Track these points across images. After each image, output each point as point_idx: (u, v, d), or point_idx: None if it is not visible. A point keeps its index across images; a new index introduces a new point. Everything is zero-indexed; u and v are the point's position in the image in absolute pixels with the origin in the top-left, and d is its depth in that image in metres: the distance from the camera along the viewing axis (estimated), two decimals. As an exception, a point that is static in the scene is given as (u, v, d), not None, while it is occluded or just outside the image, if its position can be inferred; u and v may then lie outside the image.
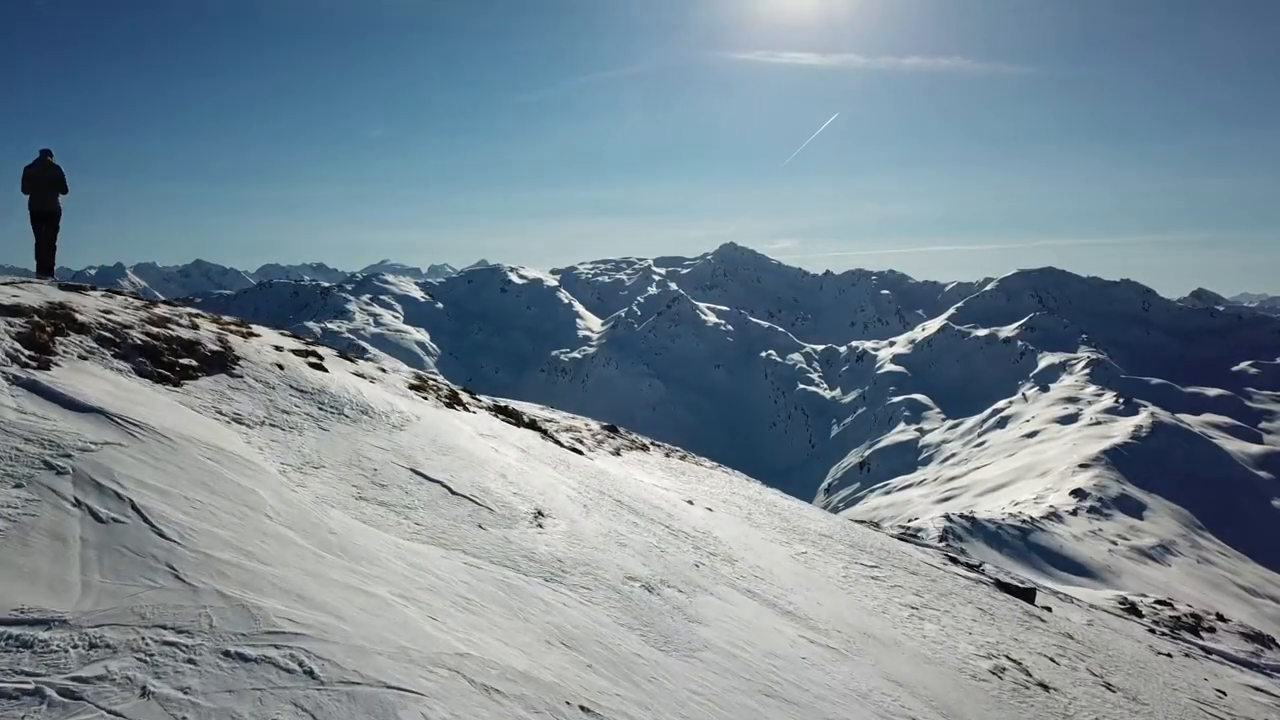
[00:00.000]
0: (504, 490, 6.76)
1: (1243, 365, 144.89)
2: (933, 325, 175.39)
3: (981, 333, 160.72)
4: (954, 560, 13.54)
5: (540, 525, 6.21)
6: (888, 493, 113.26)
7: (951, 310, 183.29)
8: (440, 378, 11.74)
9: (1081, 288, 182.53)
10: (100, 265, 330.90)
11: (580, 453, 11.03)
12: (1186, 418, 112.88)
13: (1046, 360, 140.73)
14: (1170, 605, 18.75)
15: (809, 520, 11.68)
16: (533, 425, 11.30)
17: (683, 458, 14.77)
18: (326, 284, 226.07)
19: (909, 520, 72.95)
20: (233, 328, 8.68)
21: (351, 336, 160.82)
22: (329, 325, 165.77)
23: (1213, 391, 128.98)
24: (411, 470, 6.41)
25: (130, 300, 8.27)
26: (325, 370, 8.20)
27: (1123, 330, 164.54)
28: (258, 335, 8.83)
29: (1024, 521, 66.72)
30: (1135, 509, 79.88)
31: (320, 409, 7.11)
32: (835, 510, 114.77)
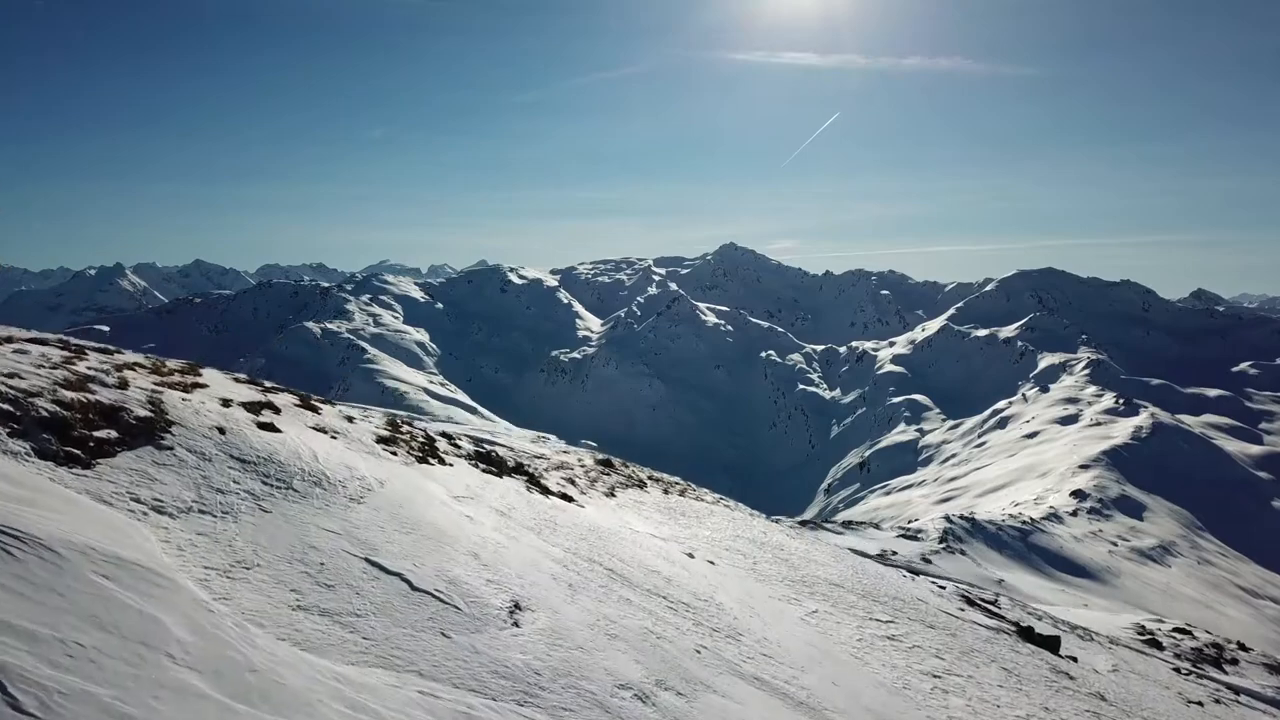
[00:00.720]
0: (475, 578, 5.88)
1: (1243, 366, 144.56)
2: (933, 326, 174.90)
3: (981, 333, 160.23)
4: (970, 602, 12.78)
5: (516, 623, 5.36)
6: (888, 493, 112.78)
7: (951, 310, 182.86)
8: (416, 423, 10.37)
9: (1081, 288, 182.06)
10: (100, 265, 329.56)
11: (570, 499, 10.07)
12: (1186, 418, 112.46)
13: (1046, 361, 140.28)
14: (1190, 634, 18.07)
15: (817, 566, 10.90)
16: (519, 469, 10.31)
17: (682, 492, 13.91)
18: (326, 284, 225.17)
19: (909, 521, 72.40)
20: (175, 379, 7.62)
21: (351, 337, 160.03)
22: (328, 325, 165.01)
23: (1213, 392, 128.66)
24: (366, 560, 5.51)
25: (50, 354, 7.01)
26: (276, 430, 7.12)
27: (1123, 331, 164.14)
28: (204, 386, 7.82)
29: (1024, 522, 66.20)
30: (1135, 510, 79.42)
31: (264, 484, 6.12)
32: (835, 511, 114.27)
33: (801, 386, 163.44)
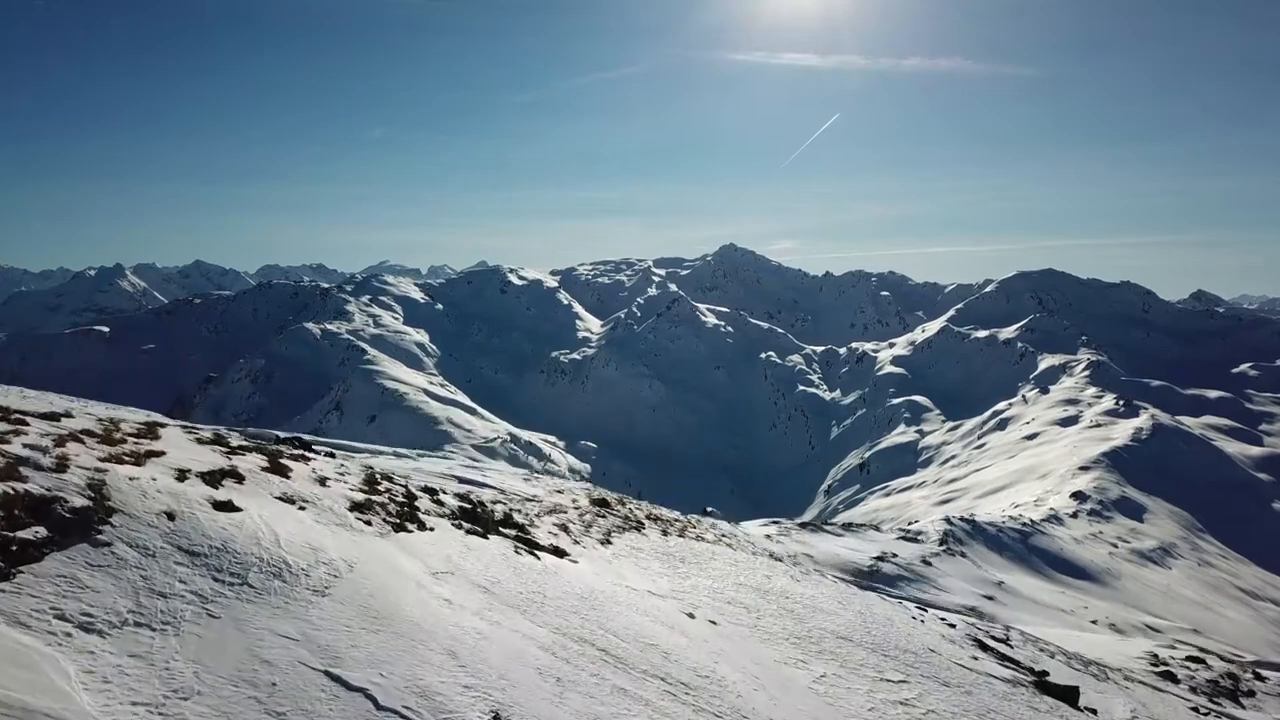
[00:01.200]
0: (450, 684, 5.17)
1: (1243, 367, 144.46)
2: (933, 327, 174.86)
3: (981, 334, 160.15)
4: (983, 646, 12.48)
5: (496, 742, 4.67)
6: (888, 494, 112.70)
7: (951, 312, 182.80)
8: (395, 478, 9.28)
9: (1081, 289, 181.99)
10: (100, 266, 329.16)
11: (563, 554, 9.36)
12: (1187, 420, 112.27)
13: (1046, 362, 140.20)
14: (1203, 663, 17.82)
15: (824, 616, 10.44)
16: (507, 522, 9.56)
17: (682, 532, 13.12)
18: (326, 285, 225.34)
19: (909, 522, 72.31)
20: (127, 447, 6.79)
21: (351, 338, 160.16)
22: (328, 326, 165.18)
23: (1213, 393, 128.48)
24: (326, 673, 4.79)
25: None
26: (235, 509, 6.33)
27: (1123, 332, 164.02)
28: (159, 455, 6.93)
29: (1024, 524, 66.10)
30: (1135, 511, 79.29)
31: (215, 580, 5.36)
32: (835, 512, 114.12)
33: (801, 387, 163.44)
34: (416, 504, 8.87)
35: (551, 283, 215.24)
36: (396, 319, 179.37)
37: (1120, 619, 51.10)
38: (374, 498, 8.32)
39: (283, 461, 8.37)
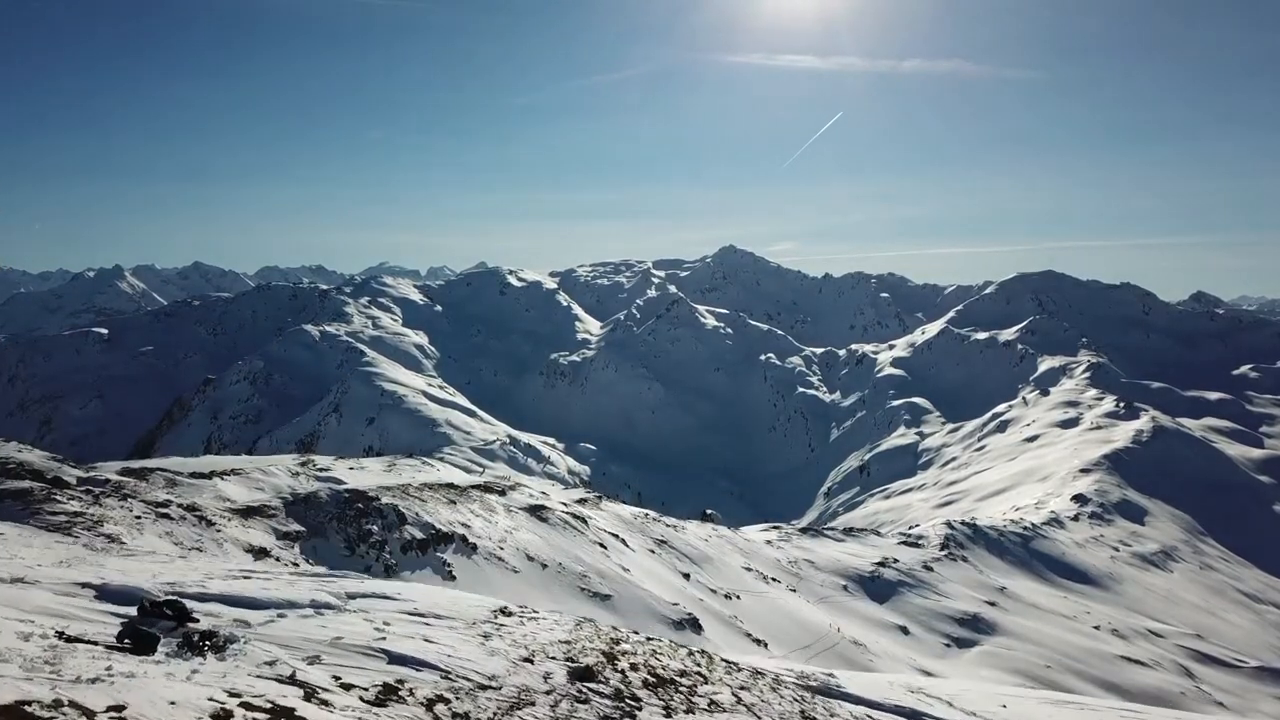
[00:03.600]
0: None
1: (1243, 369, 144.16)
2: (932, 328, 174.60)
3: (981, 336, 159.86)
4: None
5: None
6: (887, 497, 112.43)
7: (951, 313, 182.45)
8: (264, 694, 5.92)
9: (1081, 291, 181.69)
10: (99, 267, 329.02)
11: None
12: (1187, 422, 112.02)
13: (1046, 364, 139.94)
14: None
15: None
16: None
17: (690, 697, 9.73)
18: (325, 286, 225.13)
19: (909, 526, 72.10)
20: None
21: (350, 339, 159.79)
22: (327, 328, 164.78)
23: (1213, 395, 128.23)
24: None
25: None
26: None
27: (1123, 333, 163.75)
28: None
29: (1025, 528, 65.92)
30: (1136, 514, 79.01)
31: None
32: (835, 515, 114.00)
33: (801, 389, 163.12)
34: None
35: (551, 284, 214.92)
36: (395, 321, 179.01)
37: (1122, 624, 50.84)
38: None
39: None
